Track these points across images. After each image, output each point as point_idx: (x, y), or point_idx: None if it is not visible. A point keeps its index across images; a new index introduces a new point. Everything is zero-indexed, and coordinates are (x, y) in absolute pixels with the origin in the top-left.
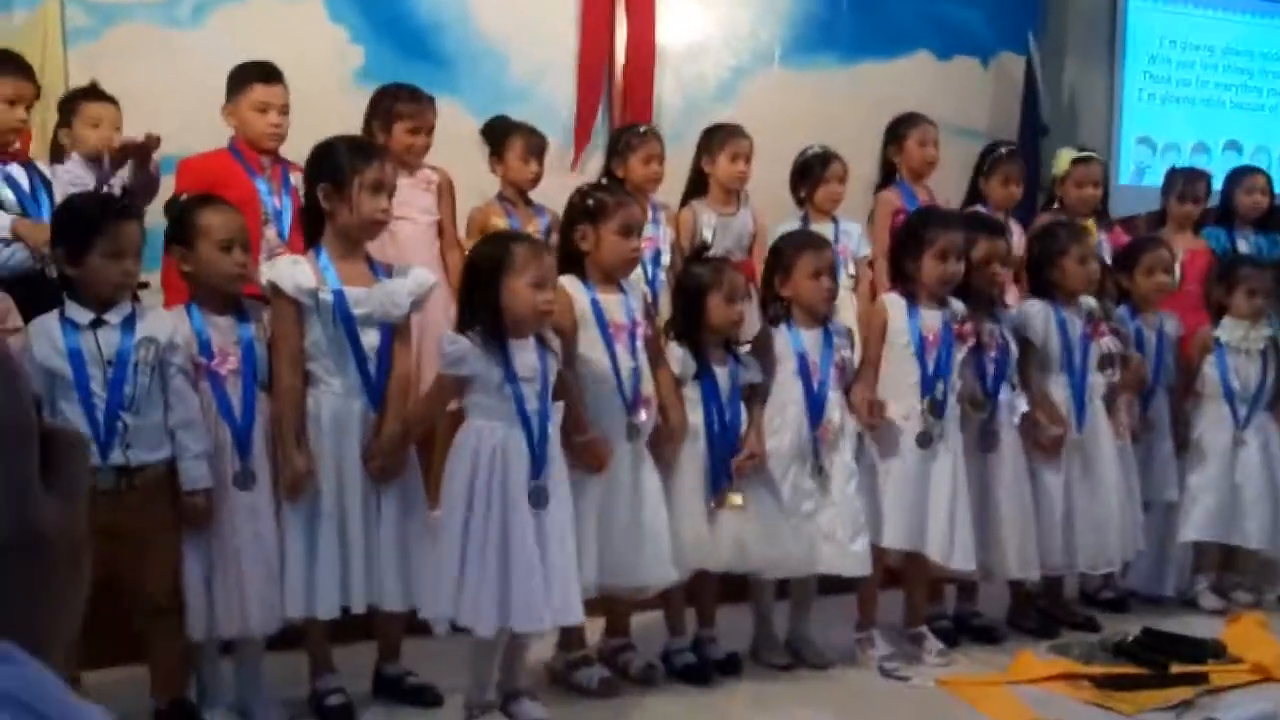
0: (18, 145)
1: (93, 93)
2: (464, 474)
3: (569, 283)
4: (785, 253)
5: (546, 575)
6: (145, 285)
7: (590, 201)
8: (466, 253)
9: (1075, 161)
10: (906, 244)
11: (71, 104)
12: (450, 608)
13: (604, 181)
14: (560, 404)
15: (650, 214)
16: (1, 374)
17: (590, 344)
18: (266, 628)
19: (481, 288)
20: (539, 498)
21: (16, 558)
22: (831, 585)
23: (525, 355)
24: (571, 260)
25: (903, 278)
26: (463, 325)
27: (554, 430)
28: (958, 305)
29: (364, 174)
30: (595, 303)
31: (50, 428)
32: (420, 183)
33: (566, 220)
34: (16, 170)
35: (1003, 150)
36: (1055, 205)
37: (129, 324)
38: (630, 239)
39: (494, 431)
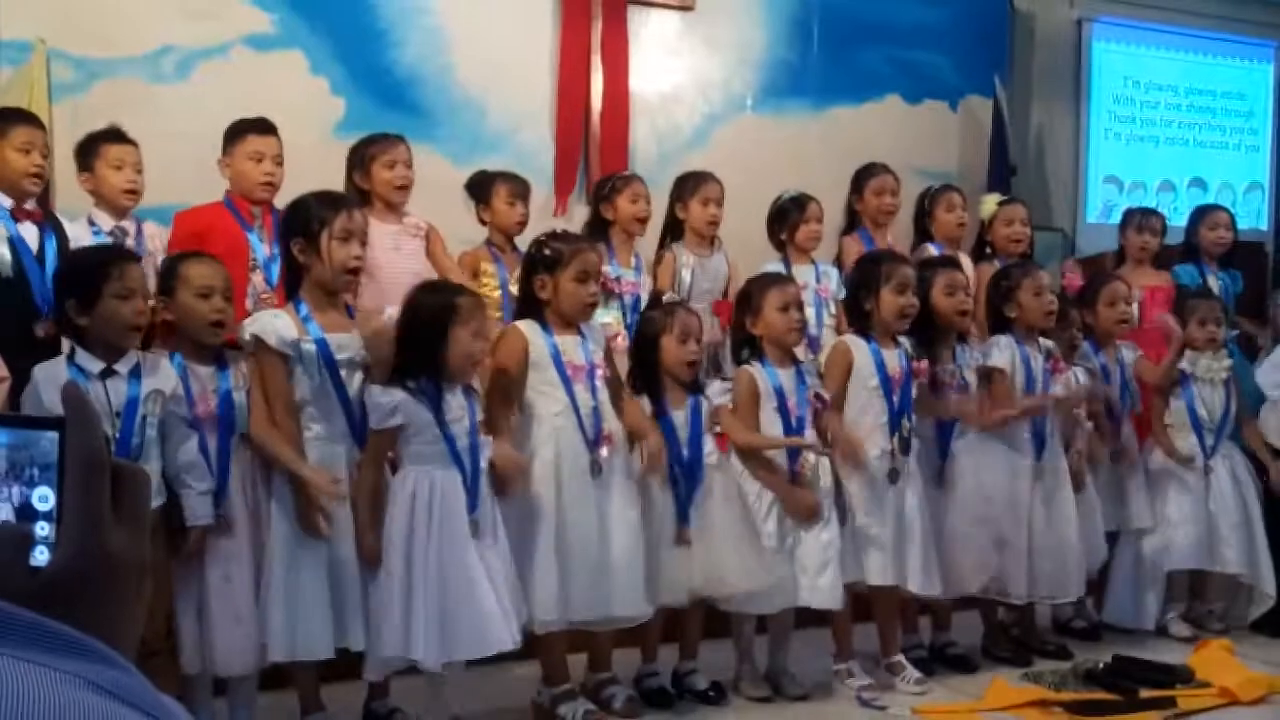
0: (33, 203)
1: (113, 135)
2: (403, 518)
3: (527, 327)
4: (753, 292)
5: (500, 601)
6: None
7: (547, 251)
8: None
9: (1000, 204)
10: (863, 283)
11: (92, 147)
12: (399, 647)
13: (563, 230)
14: (489, 439)
15: (633, 262)
16: (81, 415)
17: (551, 386)
18: (233, 669)
19: (427, 336)
20: (473, 530)
21: (95, 578)
22: (807, 618)
23: (453, 398)
24: (533, 307)
25: (859, 317)
26: (400, 374)
27: (485, 464)
28: (906, 343)
29: (332, 224)
30: (553, 346)
31: (117, 463)
32: (409, 228)
33: (525, 270)
34: (28, 229)
35: (936, 185)
36: (987, 250)
37: (136, 375)
38: (587, 284)
39: (430, 474)
